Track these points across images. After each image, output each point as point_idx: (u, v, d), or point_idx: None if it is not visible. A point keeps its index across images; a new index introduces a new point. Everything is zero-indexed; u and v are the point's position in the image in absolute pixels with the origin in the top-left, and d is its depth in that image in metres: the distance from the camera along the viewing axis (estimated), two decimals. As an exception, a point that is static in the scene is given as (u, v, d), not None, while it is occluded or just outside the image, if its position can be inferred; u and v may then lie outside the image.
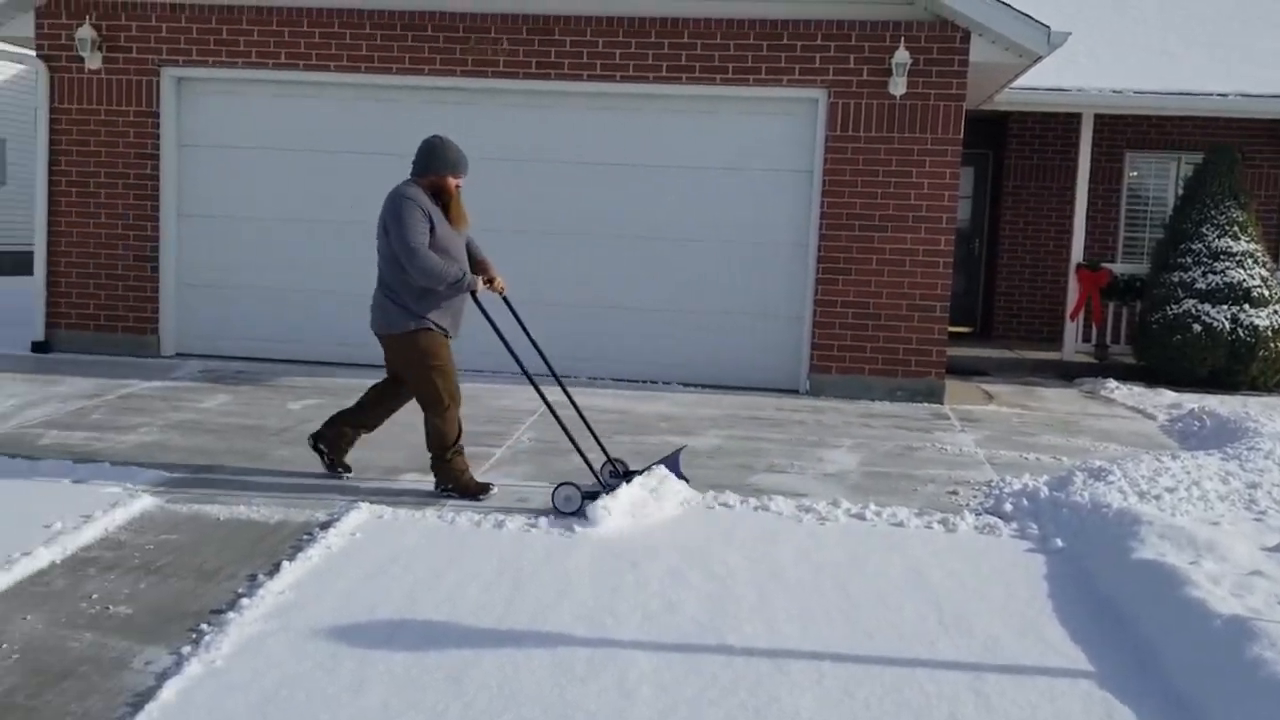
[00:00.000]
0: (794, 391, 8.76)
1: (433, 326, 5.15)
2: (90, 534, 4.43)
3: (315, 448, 5.49)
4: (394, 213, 5.03)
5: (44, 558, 4.13)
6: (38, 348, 9.20)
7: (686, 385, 8.81)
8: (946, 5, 8.16)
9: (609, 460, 5.51)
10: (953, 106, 8.45)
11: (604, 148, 8.94)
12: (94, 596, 3.85)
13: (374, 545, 4.48)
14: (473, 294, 5.24)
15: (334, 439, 5.48)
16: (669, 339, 8.96)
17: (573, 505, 4.95)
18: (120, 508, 4.74)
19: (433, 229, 5.06)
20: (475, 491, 5.26)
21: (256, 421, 6.79)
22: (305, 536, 4.57)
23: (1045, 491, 5.55)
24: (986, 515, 5.30)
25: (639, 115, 8.88)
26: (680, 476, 5.40)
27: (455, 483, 5.26)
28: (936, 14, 8.34)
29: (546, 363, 5.71)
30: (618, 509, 4.87)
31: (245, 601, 3.80)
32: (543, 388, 5.43)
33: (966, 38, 8.36)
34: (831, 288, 8.66)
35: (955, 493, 5.76)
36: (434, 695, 3.19)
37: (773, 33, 8.55)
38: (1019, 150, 12.93)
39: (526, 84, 8.82)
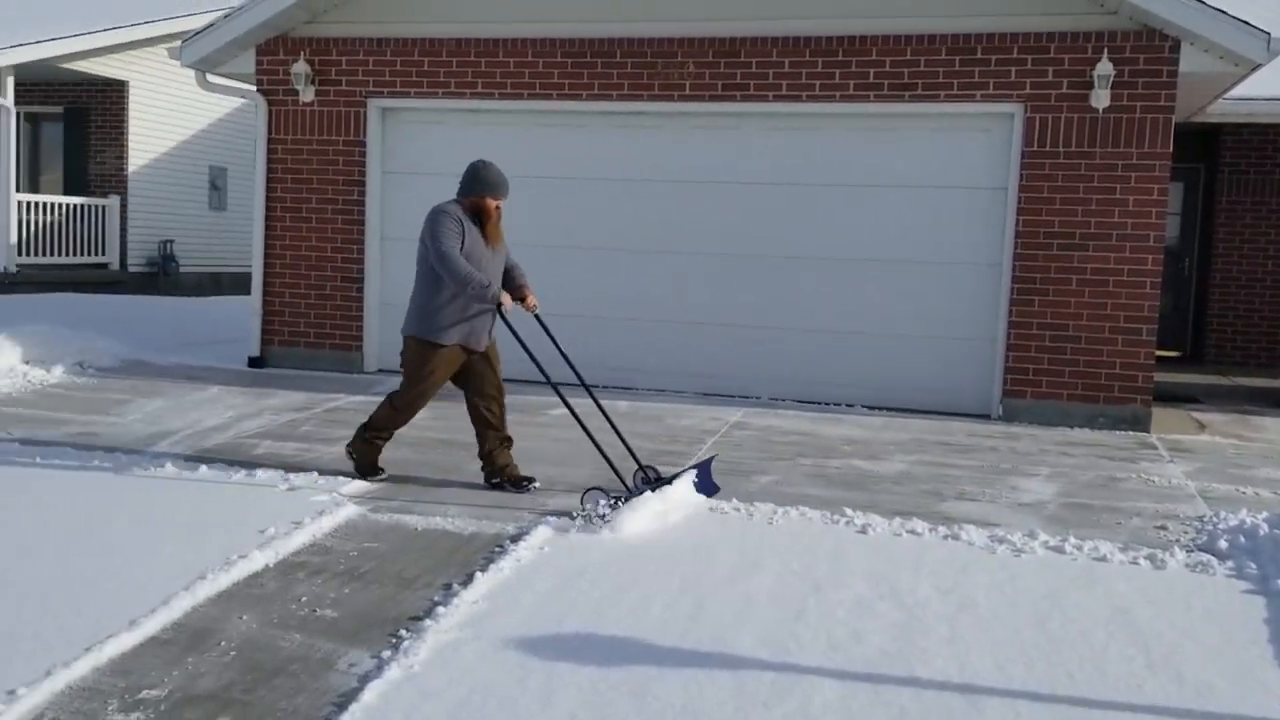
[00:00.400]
0: (985, 416, 8.45)
1: (435, 341, 5.57)
2: (300, 539, 4.71)
3: (499, 484, 5.77)
4: (430, 225, 5.49)
5: (258, 561, 4.41)
6: (254, 363, 9.85)
7: (871, 408, 8.64)
8: (1154, 14, 7.75)
9: (640, 467, 5.70)
10: (1160, 119, 8.01)
11: (788, 168, 8.90)
12: (303, 599, 4.08)
13: (560, 559, 4.57)
14: (499, 309, 5.59)
15: (493, 461, 5.77)
16: (853, 360, 8.81)
17: (600, 509, 5.14)
18: (327, 515, 5.01)
19: (464, 243, 5.46)
20: (366, 473, 5.77)
21: (451, 436, 7.05)
22: (496, 549, 4.71)
23: (1265, 529, 5.16)
24: (1199, 552, 4.97)
25: (824, 135, 8.80)
26: (711, 487, 5.52)
27: (360, 458, 5.80)
28: (1143, 23, 7.94)
29: (576, 373, 6.11)
30: (633, 519, 4.97)
31: (441, 610, 3.95)
32: (577, 399, 5.74)
33: (1176, 47, 7.91)
34: (1027, 309, 8.33)
35: (1164, 528, 5.42)
36: (619, 711, 3.23)
37: (965, 47, 8.32)
38: (1234, 164, 12.13)
39: (712, 106, 8.89)
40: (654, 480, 5.56)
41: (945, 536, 5.08)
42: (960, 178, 8.56)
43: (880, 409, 8.61)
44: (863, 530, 5.12)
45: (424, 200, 9.62)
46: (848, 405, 8.69)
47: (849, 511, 5.36)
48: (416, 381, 5.66)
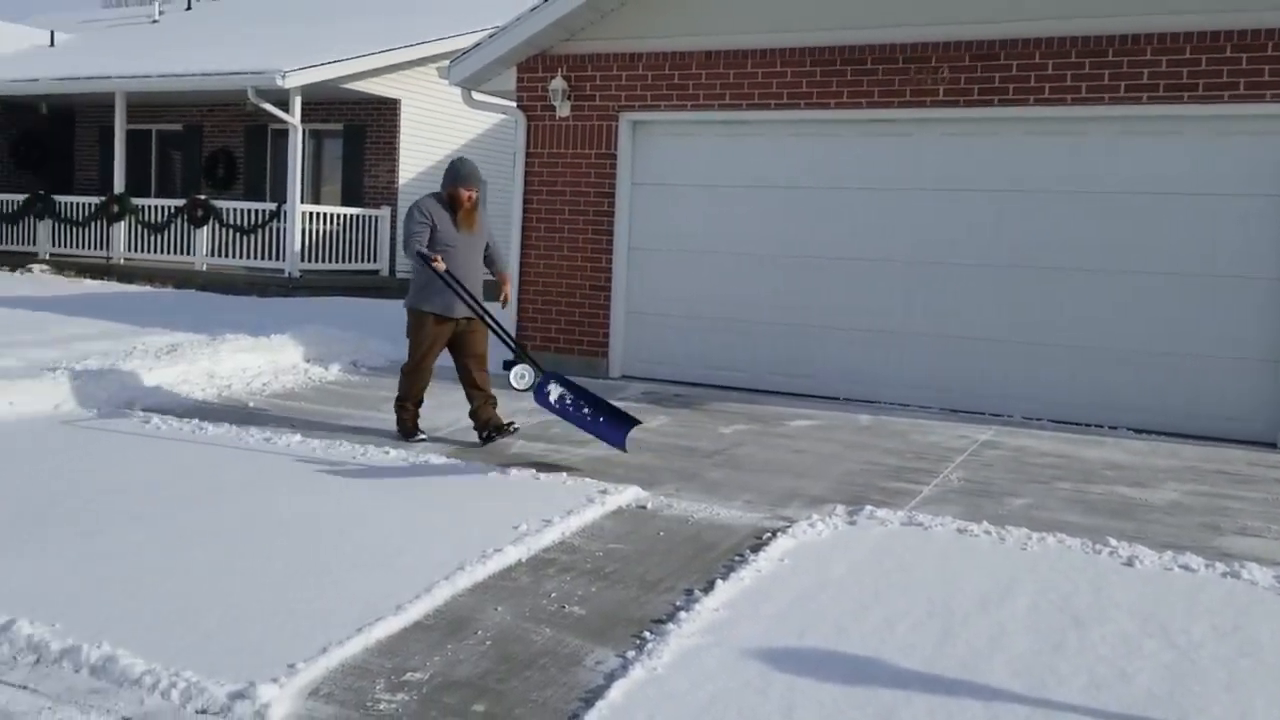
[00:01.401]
0: (1271, 445, 7.72)
1: (418, 308, 6.74)
2: (550, 537, 4.88)
3: (489, 436, 6.84)
4: (405, 215, 6.75)
5: (512, 555, 4.60)
6: (507, 366, 10.28)
7: (1136, 431, 8.08)
8: None
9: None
10: None
11: (1050, 175, 8.45)
12: (552, 595, 4.22)
13: (802, 572, 4.53)
14: (444, 275, 6.55)
15: (478, 416, 6.92)
16: (1117, 379, 8.26)
17: (525, 383, 6.42)
18: (575, 515, 5.18)
19: (435, 229, 6.60)
20: (405, 435, 6.86)
21: (691, 444, 7.13)
22: (736, 558, 4.72)
23: None
24: None
25: (1091, 139, 8.31)
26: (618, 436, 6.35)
27: (399, 424, 6.92)
28: None
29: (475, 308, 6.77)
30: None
31: (683, 614, 3.99)
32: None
33: None
34: (1321, 328, 7.56)
35: None
36: (863, 732, 3.15)
37: (1254, 44, 7.65)
38: None
39: (966, 112, 8.58)
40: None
41: (1224, 574, 4.67)
42: (1244, 185, 7.88)
43: (1147, 432, 8.03)
44: (1129, 562, 4.79)
45: (670, 212, 9.87)
46: (1110, 428, 8.16)
47: (1113, 541, 5.03)
48: (414, 346, 6.82)
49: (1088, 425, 8.22)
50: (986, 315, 8.69)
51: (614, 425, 6.42)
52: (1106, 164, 8.27)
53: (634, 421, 6.53)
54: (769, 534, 5.06)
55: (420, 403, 6.99)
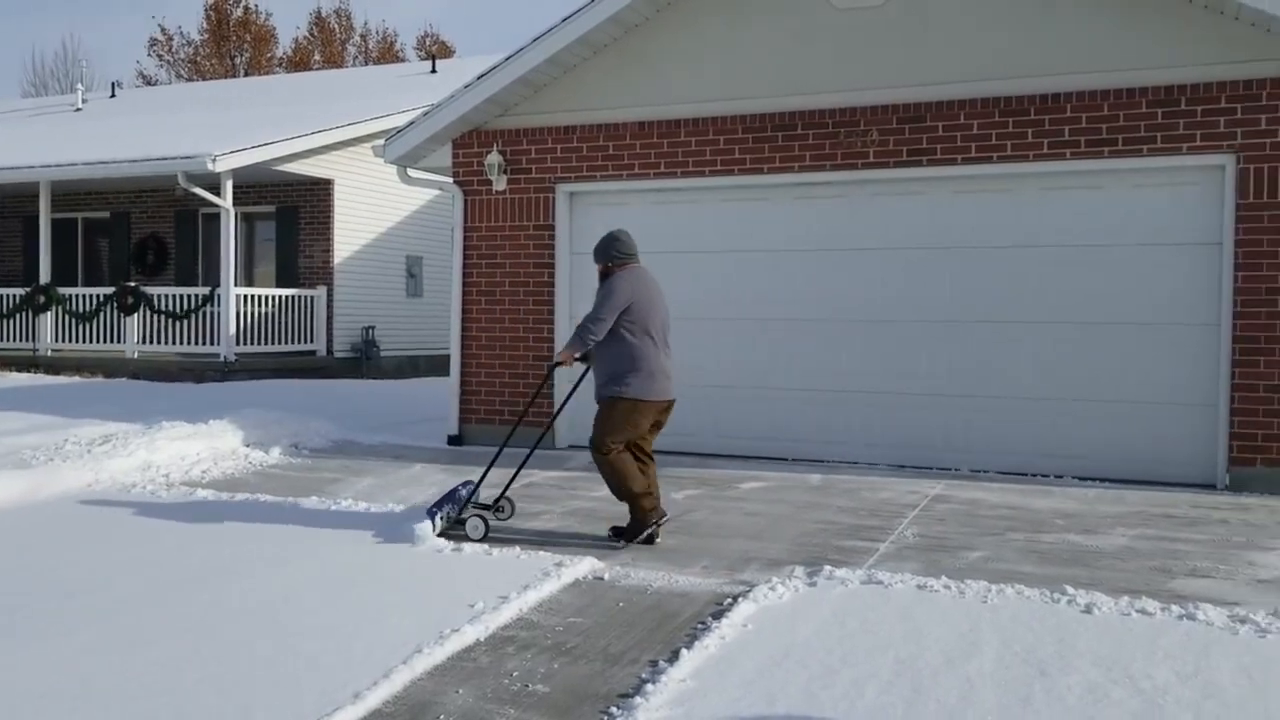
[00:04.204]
0: (1210, 486, 7.88)
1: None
2: (508, 614, 4.77)
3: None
4: None
5: (470, 635, 4.49)
6: (453, 440, 10.20)
7: (1081, 479, 8.19)
8: (1381, 49, 7.23)
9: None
10: (1395, 161, 7.42)
11: (980, 231, 8.66)
12: (514, 674, 4.11)
13: (766, 637, 4.47)
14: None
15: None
16: (1060, 429, 8.39)
17: (478, 533, 6.07)
18: (532, 590, 5.08)
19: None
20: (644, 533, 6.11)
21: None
22: (699, 625, 4.65)
23: None
24: None
25: (1017, 196, 8.54)
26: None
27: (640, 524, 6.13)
28: (1368, 60, 7.42)
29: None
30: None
31: (649, 687, 3.91)
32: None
33: None
34: (1251, 370, 7.78)
35: None
36: (842, 799, 3.09)
37: (1167, 99, 7.96)
38: None
39: (896, 173, 8.78)
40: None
41: (1180, 616, 4.71)
42: (1167, 235, 8.13)
43: (1092, 480, 8.15)
44: (1087, 609, 4.81)
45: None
46: (1056, 476, 8.27)
47: (1070, 589, 5.06)
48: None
49: (1034, 475, 8.32)
50: (928, 370, 8.81)
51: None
52: (1037, 218, 8.50)
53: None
54: (730, 599, 5.01)
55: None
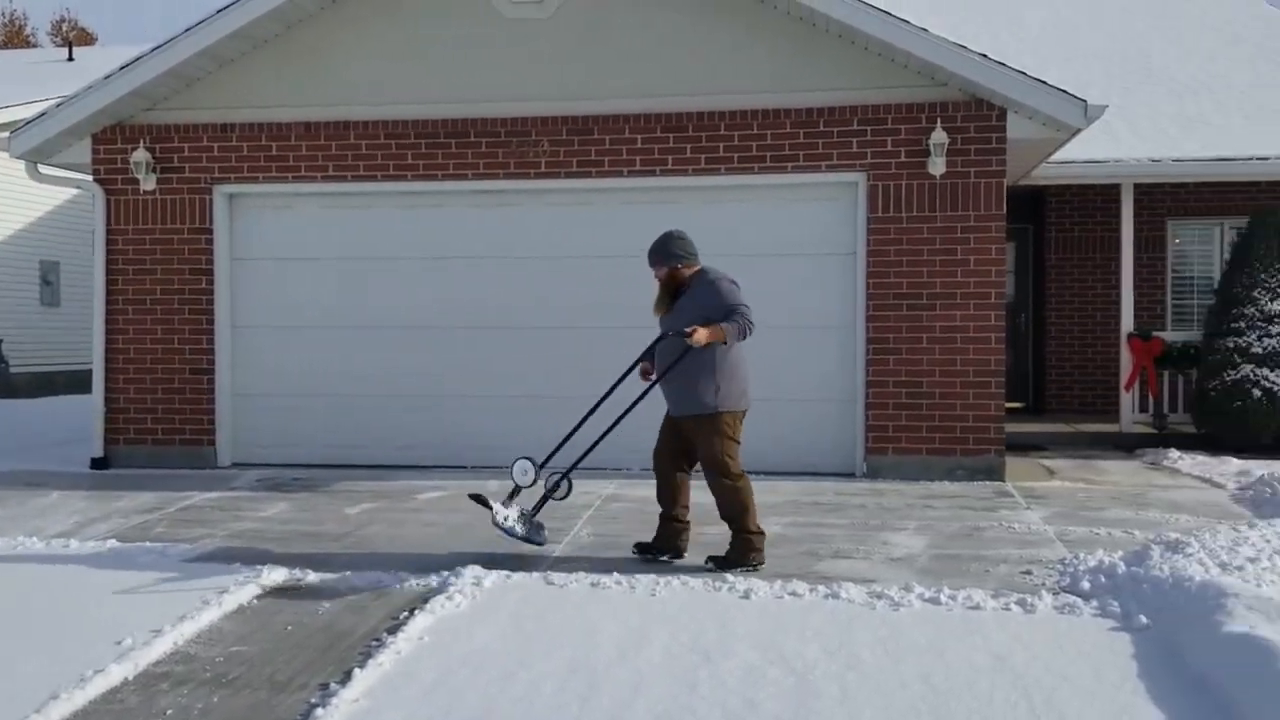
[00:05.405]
0: (851, 475, 8.65)
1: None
2: (161, 648, 4.42)
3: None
4: None
5: (117, 674, 4.11)
6: (97, 464, 9.32)
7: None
8: (981, 85, 8.24)
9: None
10: (993, 183, 8.48)
11: (643, 241, 8.97)
12: (168, 713, 3.81)
13: (443, 647, 4.42)
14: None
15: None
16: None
17: (527, 479, 5.80)
18: (189, 620, 4.73)
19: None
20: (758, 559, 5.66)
21: (316, 528, 6.79)
22: (374, 642, 4.53)
23: (1123, 567, 5.40)
24: (1065, 594, 5.15)
25: (680, 207, 8.97)
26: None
27: (757, 552, 5.67)
28: (971, 94, 8.43)
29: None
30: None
31: (319, 712, 3.75)
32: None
33: (1003, 115, 8.43)
34: (883, 368, 8.62)
35: (1029, 572, 5.61)
36: (518, 803, 3.10)
37: (809, 120, 8.67)
38: (1059, 223, 12.92)
39: (568, 183, 8.98)
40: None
41: (826, 596, 5.13)
42: (813, 245, 8.85)
43: (753, 473, 8.66)
44: (745, 595, 5.13)
45: (277, 287, 9.43)
46: (718, 472, 8.73)
47: (730, 578, 5.37)
48: (735, 450, 5.81)
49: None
50: (599, 375, 9.00)
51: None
52: (697, 230, 8.88)
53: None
54: (406, 612, 4.90)
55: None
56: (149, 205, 9.39)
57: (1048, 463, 9.48)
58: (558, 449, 6.11)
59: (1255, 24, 14.02)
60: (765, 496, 7.69)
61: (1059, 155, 9.57)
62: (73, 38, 34.23)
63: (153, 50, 8.93)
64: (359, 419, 9.28)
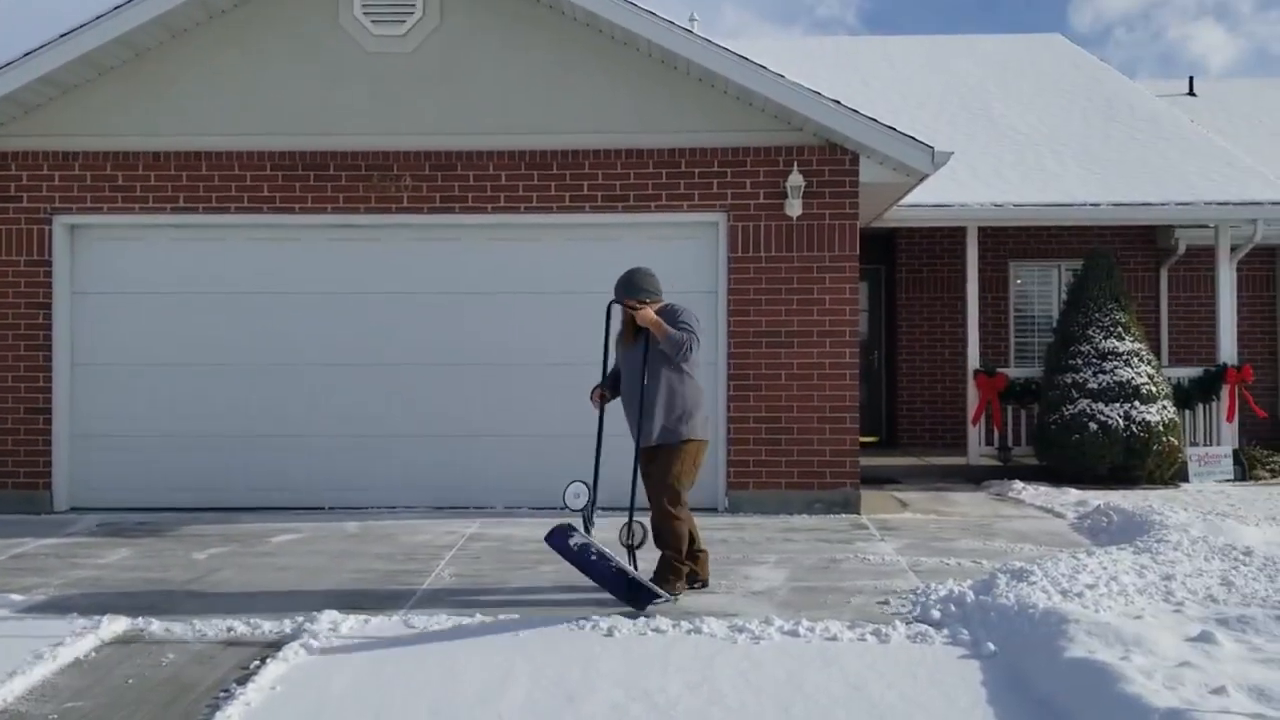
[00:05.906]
0: (713, 509, 8.75)
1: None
2: (-14, 708, 4.14)
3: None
4: None
5: (-65, 738, 3.83)
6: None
7: (605, 510, 8.70)
8: (834, 130, 8.53)
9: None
10: (847, 225, 8.77)
11: (509, 278, 8.99)
12: (-7, 777, 3.57)
13: (297, 697, 4.27)
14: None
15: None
16: (583, 463, 8.86)
17: (579, 502, 5.79)
18: (19, 676, 4.44)
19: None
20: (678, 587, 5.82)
21: (162, 574, 6.48)
22: (222, 694, 4.33)
23: (971, 596, 5.60)
24: (917, 624, 5.31)
25: (543, 245, 8.98)
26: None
27: (678, 578, 5.86)
28: (826, 139, 8.72)
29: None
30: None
31: (162, 770, 3.57)
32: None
33: (855, 160, 8.74)
34: (743, 404, 8.77)
35: (885, 603, 5.76)
36: None
37: (671, 161, 8.82)
38: (909, 264, 13.45)
39: (430, 219, 8.89)
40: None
41: (689, 631, 5.16)
42: (676, 283, 8.84)
43: (612, 510, 8.68)
44: (609, 633, 5.11)
45: (122, 322, 9.02)
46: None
47: (594, 616, 5.35)
48: (686, 481, 6.02)
49: (561, 509, 8.68)
50: (458, 411, 8.95)
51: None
52: (558, 266, 8.98)
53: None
54: (256, 661, 4.72)
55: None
56: (-19, 235, 8.89)
57: (901, 495, 9.79)
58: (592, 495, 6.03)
59: (1083, 77, 14.95)
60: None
61: (909, 199, 9.97)
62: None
63: (-14, 74, 8.49)
64: (208, 460, 8.93)
